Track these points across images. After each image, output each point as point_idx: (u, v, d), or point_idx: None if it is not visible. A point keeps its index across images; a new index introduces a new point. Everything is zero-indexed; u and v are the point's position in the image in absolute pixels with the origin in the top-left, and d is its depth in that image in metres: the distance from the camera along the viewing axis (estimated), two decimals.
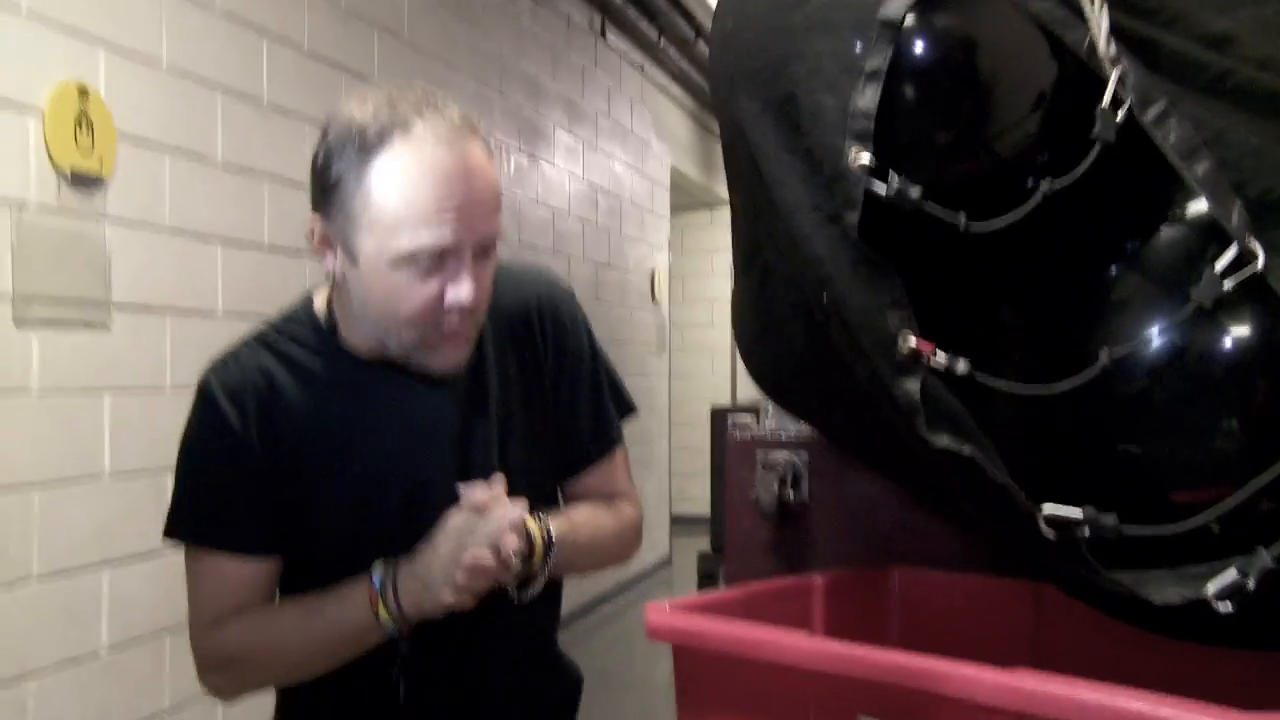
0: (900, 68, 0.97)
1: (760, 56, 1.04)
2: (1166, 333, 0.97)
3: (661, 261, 7.01)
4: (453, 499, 1.10)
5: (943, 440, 0.96)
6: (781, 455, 1.46)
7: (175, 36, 2.58)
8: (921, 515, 1.32)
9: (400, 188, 1.04)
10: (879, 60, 0.96)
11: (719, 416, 4.59)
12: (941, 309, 1.04)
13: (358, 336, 1.15)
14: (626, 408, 1.31)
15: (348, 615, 1.09)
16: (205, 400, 1.14)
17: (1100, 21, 0.96)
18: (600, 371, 1.28)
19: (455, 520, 1.08)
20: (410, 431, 1.15)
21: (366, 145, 1.05)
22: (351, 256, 1.08)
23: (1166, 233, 1.05)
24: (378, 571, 1.09)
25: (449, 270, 1.06)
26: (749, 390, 1.71)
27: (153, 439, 2.44)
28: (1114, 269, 1.07)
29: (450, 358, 1.12)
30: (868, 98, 0.96)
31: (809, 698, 0.96)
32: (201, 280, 2.67)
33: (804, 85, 1.00)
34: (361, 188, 1.05)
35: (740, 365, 1.38)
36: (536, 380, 1.22)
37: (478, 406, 1.17)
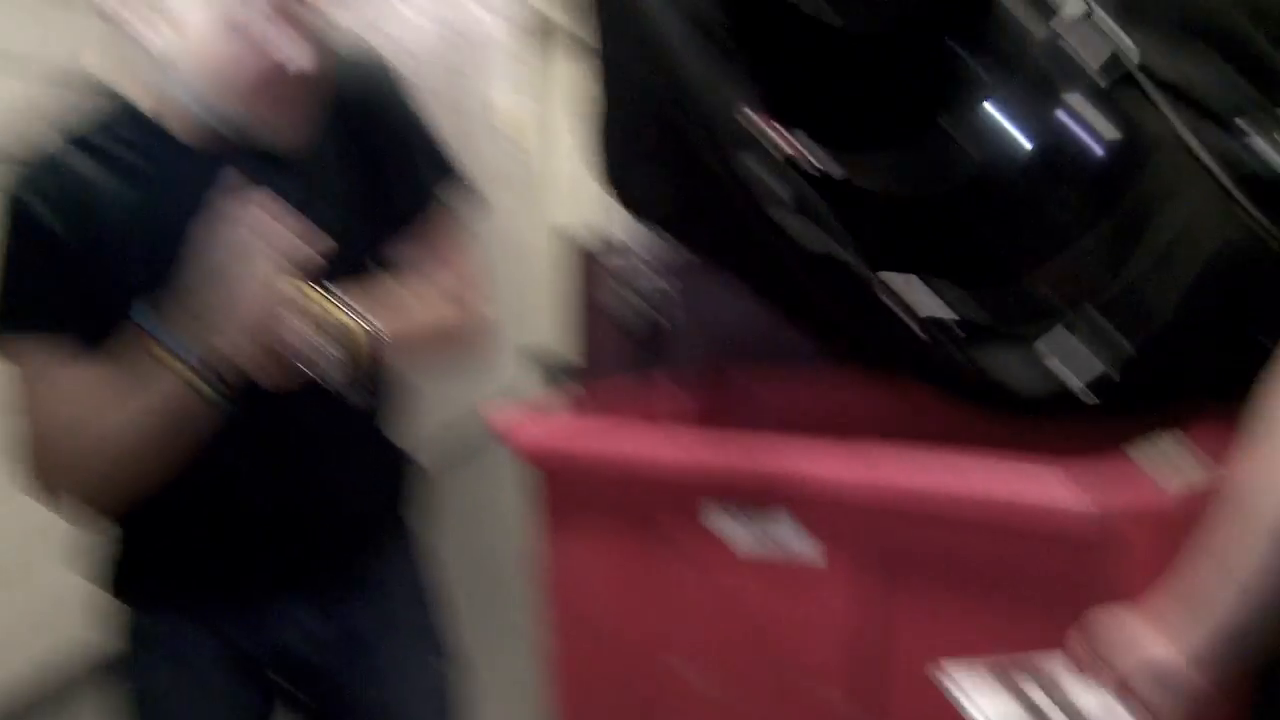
0: None
1: None
2: (1011, 109, 0.98)
3: (516, 100, 6.84)
4: None
5: (791, 221, 0.95)
6: (642, 279, 1.46)
7: None
8: (782, 330, 1.33)
9: None
10: None
11: (579, 248, 4.55)
12: (800, 99, 1.02)
13: (183, 117, 1.07)
14: (450, 171, 1.24)
15: (150, 375, 1.02)
16: (18, 207, 1.04)
17: None
18: (428, 141, 1.21)
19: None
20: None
21: None
22: (170, 22, 1.00)
23: (1028, 39, 1.04)
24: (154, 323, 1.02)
25: (278, 30, 0.99)
26: (608, 223, 1.69)
27: None
28: (975, 73, 1.06)
29: (286, 127, 1.05)
30: None
31: (656, 488, 0.96)
32: None
33: None
34: None
35: (600, 197, 1.35)
36: (370, 162, 1.16)
37: (313, 188, 1.12)
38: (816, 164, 0.97)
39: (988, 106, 1.04)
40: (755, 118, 0.93)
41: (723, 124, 0.97)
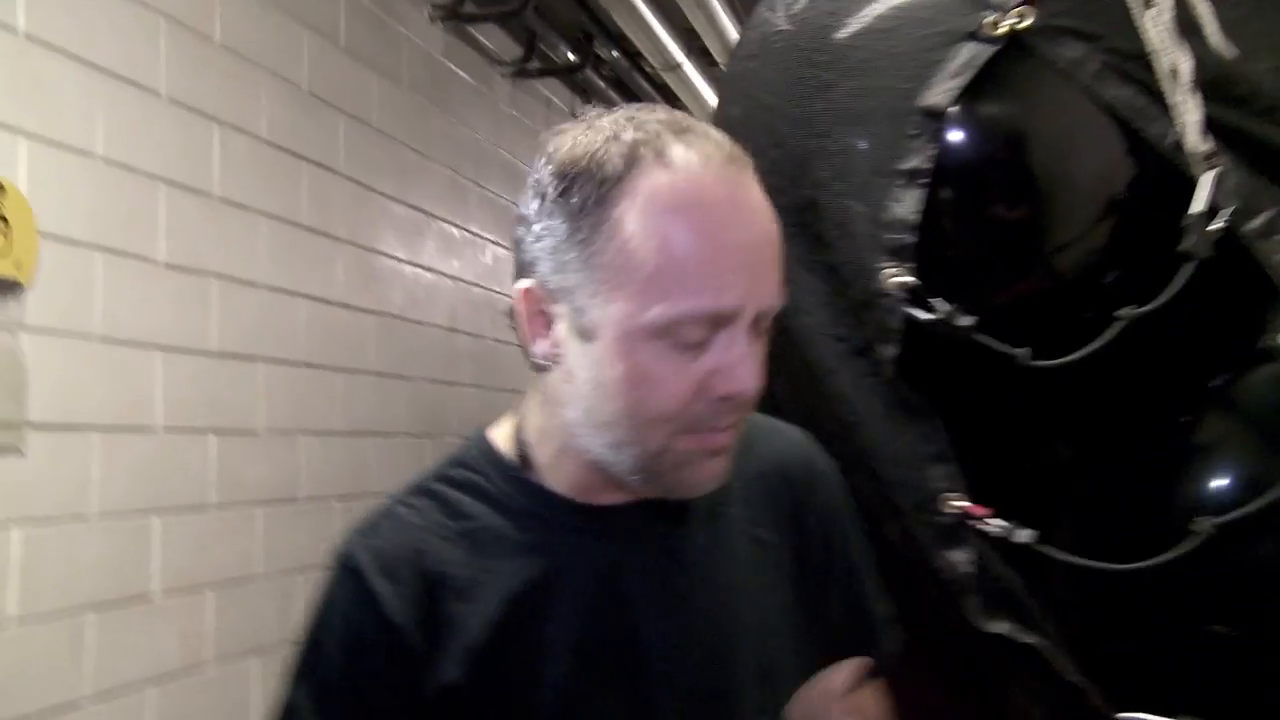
0: (944, 168, 0.84)
1: (774, 153, 0.91)
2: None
3: None
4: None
5: (1001, 627, 0.81)
6: None
7: (112, 125, 2.46)
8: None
9: (662, 230, 0.79)
10: (919, 158, 0.83)
11: None
12: (989, 458, 0.90)
13: (569, 466, 0.86)
14: (886, 603, 0.97)
15: None
16: (349, 576, 0.85)
17: (1189, 112, 0.83)
18: (871, 566, 0.97)
19: None
20: (659, 608, 0.85)
21: (608, 177, 0.81)
22: (582, 331, 0.81)
23: (1266, 368, 0.91)
24: None
25: (719, 347, 0.79)
26: None
27: (70, 574, 2.26)
28: (1200, 409, 0.93)
29: (710, 473, 0.82)
30: (906, 205, 0.83)
31: None
32: (136, 392, 2.51)
33: (828, 189, 0.87)
34: (602, 234, 0.80)
35: None
36: (794, 553, 0.92)
37: (720, 549, 0.88)
38: (1005, 531, 0.83)
39: (1202, 458, 0.90)
40: (952, 499, 0.81)
41: (897, 480, 0.85)
